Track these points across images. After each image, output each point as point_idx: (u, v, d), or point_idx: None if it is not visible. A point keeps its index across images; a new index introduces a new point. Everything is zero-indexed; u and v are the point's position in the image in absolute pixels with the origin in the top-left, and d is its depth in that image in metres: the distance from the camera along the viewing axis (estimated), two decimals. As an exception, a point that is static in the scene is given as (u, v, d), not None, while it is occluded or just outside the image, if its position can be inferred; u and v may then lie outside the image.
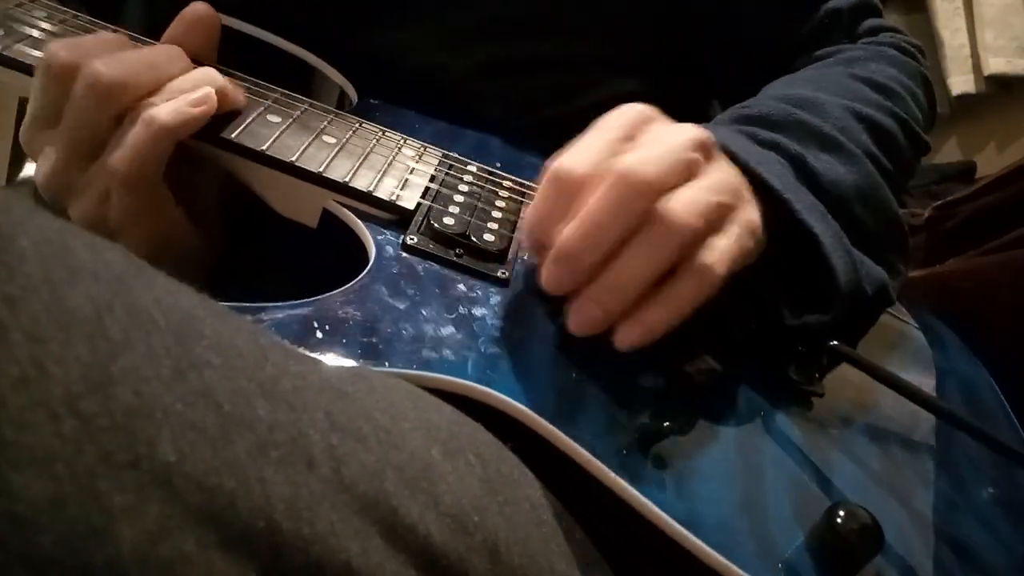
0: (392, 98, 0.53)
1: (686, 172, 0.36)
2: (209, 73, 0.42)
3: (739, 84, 0.56)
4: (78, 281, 0.21)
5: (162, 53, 0.41)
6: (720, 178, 0.38)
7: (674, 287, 0.37)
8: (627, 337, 0.36)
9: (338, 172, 0.42)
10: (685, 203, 0.35)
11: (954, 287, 0.66)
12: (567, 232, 0.35)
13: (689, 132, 0.38)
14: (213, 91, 0.40)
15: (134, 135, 0.38)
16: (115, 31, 0.46)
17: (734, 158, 0.41)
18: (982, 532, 0.40)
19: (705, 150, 0.38)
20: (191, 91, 0.40)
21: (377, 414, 0.26)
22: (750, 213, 0.39)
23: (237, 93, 0.43)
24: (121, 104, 0.38)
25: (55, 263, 0.21)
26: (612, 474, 0.33)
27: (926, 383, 0.50)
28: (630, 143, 0.37)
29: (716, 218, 0.37)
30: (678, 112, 0.41)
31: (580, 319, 0.37)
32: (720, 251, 0.37)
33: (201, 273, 0.48)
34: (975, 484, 0.43)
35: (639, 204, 0.35)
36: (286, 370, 0.24)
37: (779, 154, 0.44)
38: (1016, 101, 1.45)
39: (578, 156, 0.36)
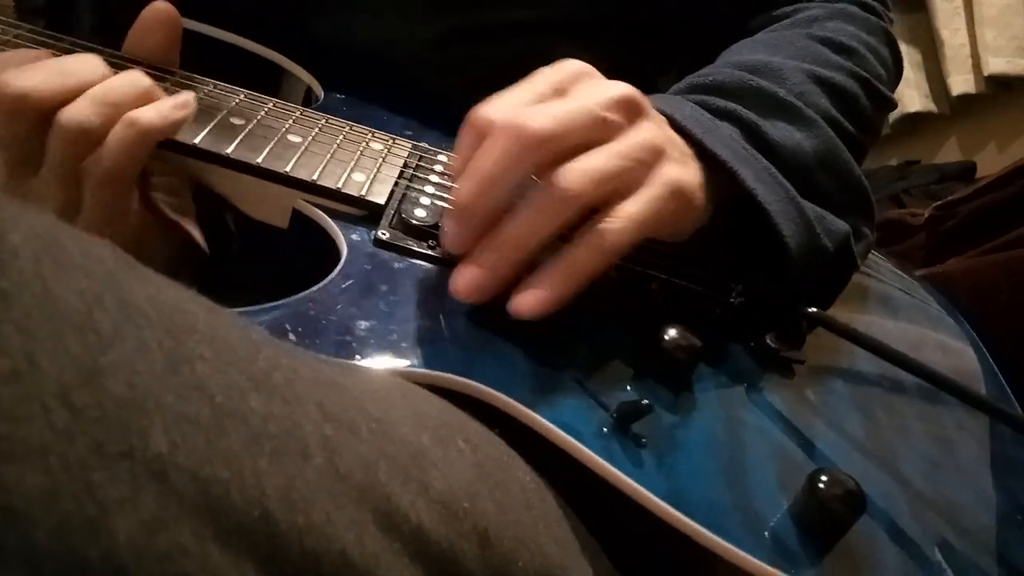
0: (353, 81, 0.52)
1: (597, 131, 0.35)
2: (134, 75, 0.40)
3: (696, 49, 0.55)
4: (69, 276, 0.21)
5: (74, 59, 0.40)
6: (640, 140, 0.37)
7: (569, 254, 0.36)
8: (520, 306, 0.35)
9: (305, 171, 0.41)
10: (581, 169, 0.34)
11: (954, 287, 0.66)
12: (460, 183, 0.35)
13: (615, 90, 0.37)
14: (192, 96, 0.40)
15: (116, 135, 0.37)
16: (58, 38, 0.45)
17: (678, 128, 0.40)
18: (966, 491, 0.40)
19: (631, 110, 0.37)
20: (131, 92, 0.38)
21: (368, 405, 0.26)
22: (674, 171, 0.37)
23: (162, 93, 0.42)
24: (33, 112, 0.36)
25: (46, 258, 0.21)
26: (592, 454, 0.33)
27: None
28: (557, 96, 0.36)
29: (625, 182, 0.36)
30: (633, 81, 0.40)
31: (462, 280, 0.35)
32: (624, 219, 0.36)
33: (183, 278, 0.47)
34: (958, 444, 0.43)
35: (528, 158, 0.34)
36: (278, 363, 0.25)
37: (732, 123, 0.43)
38: (1016, 101, 1.45)
39: (494, 104, 0.36)
